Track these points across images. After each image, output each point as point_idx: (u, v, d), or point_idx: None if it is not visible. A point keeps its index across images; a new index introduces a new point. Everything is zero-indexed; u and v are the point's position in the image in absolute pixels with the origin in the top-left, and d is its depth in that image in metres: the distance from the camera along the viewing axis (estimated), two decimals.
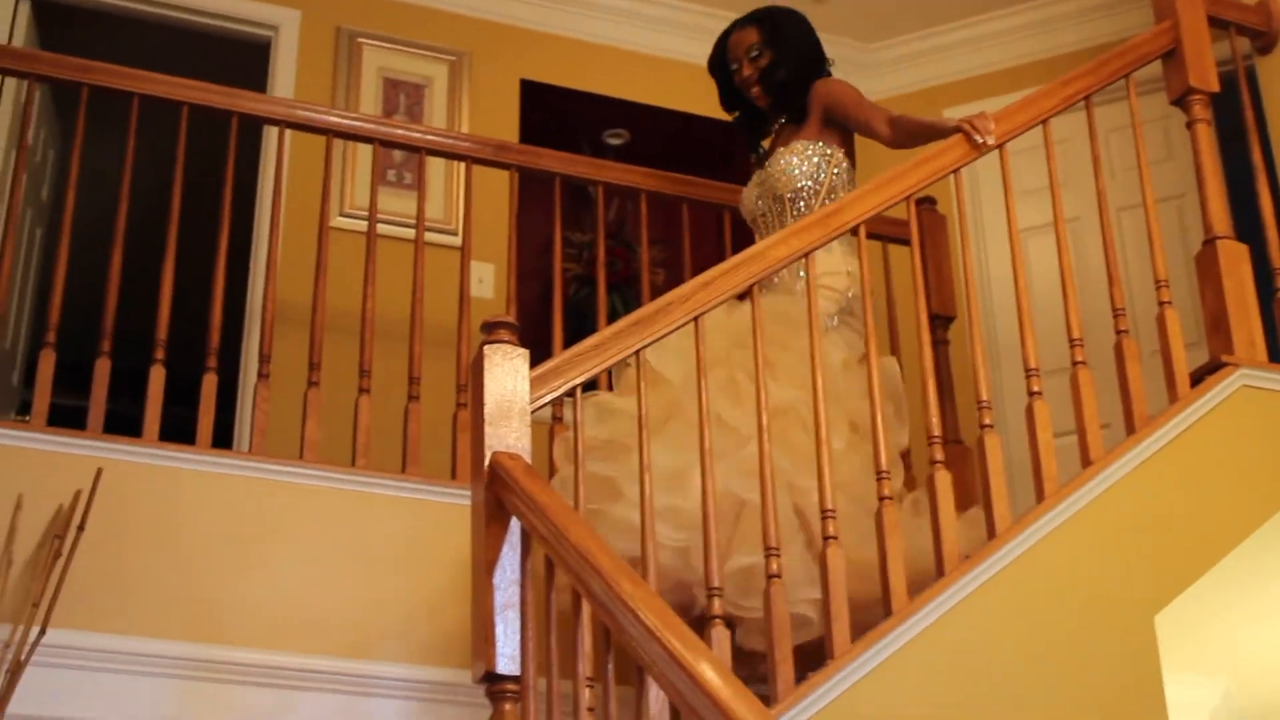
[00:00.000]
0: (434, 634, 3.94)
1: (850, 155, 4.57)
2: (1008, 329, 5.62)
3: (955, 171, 4.02)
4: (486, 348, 3.17)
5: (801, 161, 4.46)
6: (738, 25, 4.68)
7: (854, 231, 3.85)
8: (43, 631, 3.65)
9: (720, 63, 4.72)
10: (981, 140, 4.00)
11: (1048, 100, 4.19)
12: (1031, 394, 3.89)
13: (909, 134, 4.37)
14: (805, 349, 3.67)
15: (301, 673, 3.87)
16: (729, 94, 4.76)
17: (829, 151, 4.48)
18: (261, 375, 4.28)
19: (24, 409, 5.73)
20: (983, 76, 6.38)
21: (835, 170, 4.47)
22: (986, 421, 3.82)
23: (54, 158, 5.95)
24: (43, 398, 4.07)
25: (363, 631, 3.98)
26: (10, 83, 5.29)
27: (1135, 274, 5.48)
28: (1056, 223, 4.14)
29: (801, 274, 3.97)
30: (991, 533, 3.72)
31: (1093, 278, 5.05)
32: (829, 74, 4.67)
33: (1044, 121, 4.17)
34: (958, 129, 4.06)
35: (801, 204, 4.43)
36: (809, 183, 4.43)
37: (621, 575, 2.63)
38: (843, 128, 4.55)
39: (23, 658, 3.63)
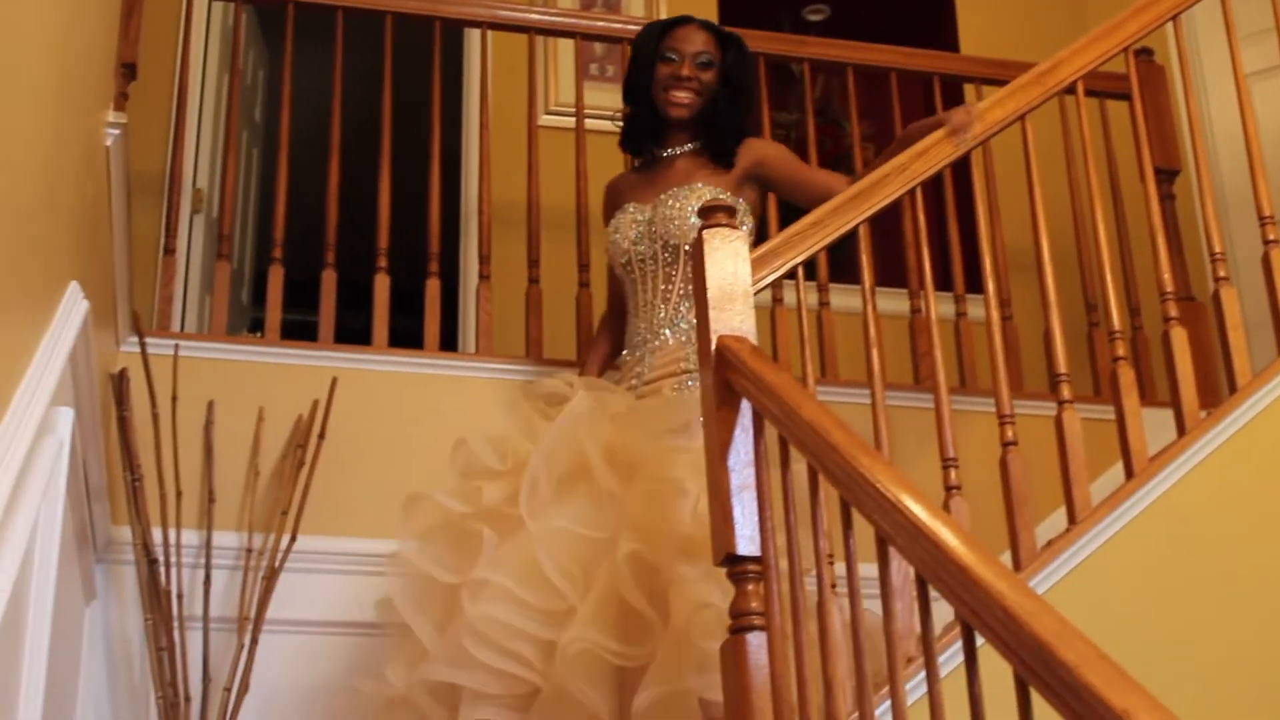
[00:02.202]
0: None
1: (757, 219, 3.96)
2: (1234, 180, 5.43)
3: (1174, 18, 3.87)
4: (705, 232, 3.14)
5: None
6: (698, 23, 3.97)
7: (1070, 89, 3.75)
8: (293, 539, 3.78)
9: (652, 45, 3.93)
10: (959, 140, 3.49)
11: None
12: (1267, 242, 3.77)
13: None
14: (657, 473, 3.29)
15: None
16: (638, 82, 3.95)
17: (739, 211, 3.68)
18: (482, 277, 4.33)
19: (253, 326, 5.90)
20: None
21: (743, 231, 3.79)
22: (1221, 274, 3.72)
23: (263, 78, 6.07)
24: (274, 313, 4.18)
25: None
26: (217, 7, 5.41)
27: None
28: None
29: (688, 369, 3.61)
30: (1233, 387, 3.63)
31: None
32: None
33: None
34: (937, 124, 3.55)
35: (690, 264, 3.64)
36: None
37: (858, 449, 2.61)
38: (765, 190, 3.95)
39: (276, 564, 3.76)
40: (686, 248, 3.68)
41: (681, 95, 3.86)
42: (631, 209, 3.87)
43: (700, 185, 3.79)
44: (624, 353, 3.82)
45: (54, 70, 2.73)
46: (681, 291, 3.72)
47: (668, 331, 3.70)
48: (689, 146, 3.92)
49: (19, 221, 2.46)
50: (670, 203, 3.78)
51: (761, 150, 3.92)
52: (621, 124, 4.05)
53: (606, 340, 3.99)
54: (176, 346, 3.90)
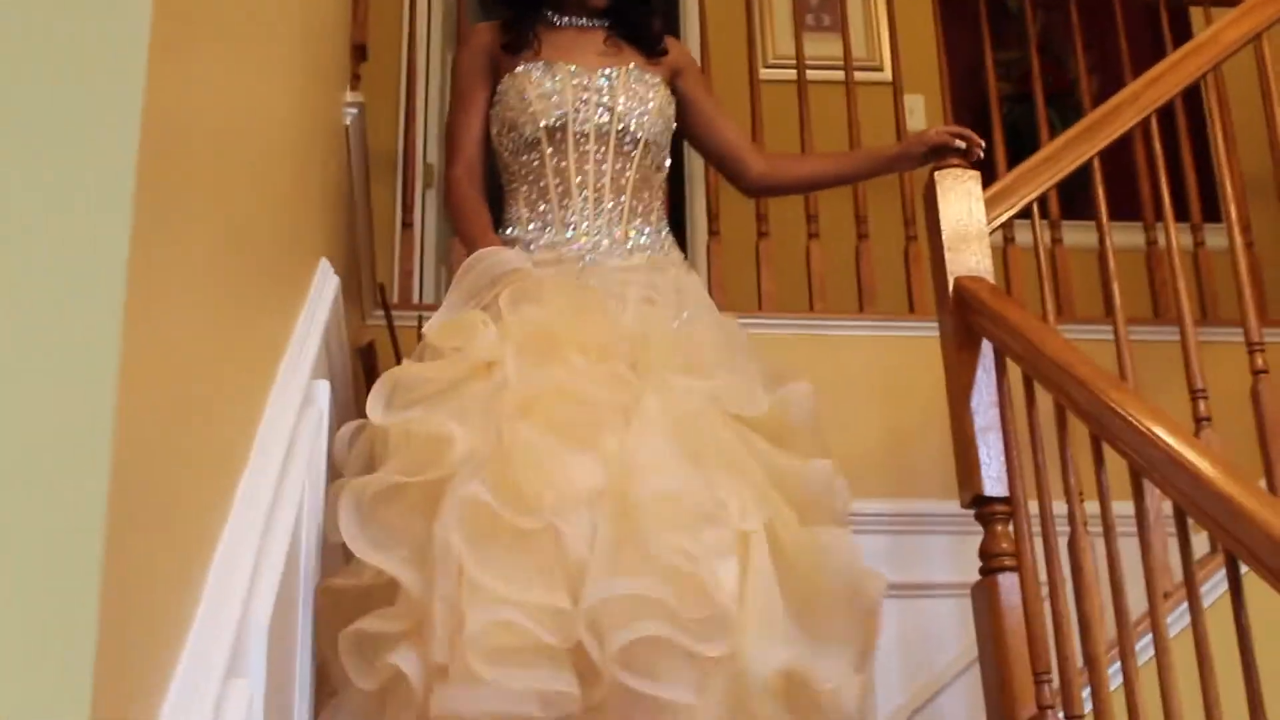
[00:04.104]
0: (911, 467, 3.97)
1: None
2: None
3: None
4: (937, 174, 3.15)
5: (670, 110, 3.26)
6: None
7: None
8: None
9: None
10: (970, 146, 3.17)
11: None
12: None
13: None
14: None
15: None
16: None
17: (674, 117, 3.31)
18: (712, 233, 4.40)
19: None
20: None
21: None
22: None
23: None
24: None
25: (841, 472, 4.03)
26: None
27: None
28: None
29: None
30: None
31: None
32: None
33: None
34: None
35: (648, 160, 3.18)
36: (664, 153, 3.26)
37: (1107, 383, 2.61)
38: None
39: None
40: (644, 138, 3.15)
41: None
42: (570, 68, 3.20)
43: (656, 79, 3.24)
44: (525, 231, 3.13)
45: (299, 55, 2.82)
46: (635, 190, 3.15)
47: (639, 235, 3.11)
48: (598, 22, 3.32)
49: (280, 200, 2.56)
50: (634, 85, 3.19)
51: (686, 55, 3.43)
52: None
53: (487, 208, 3.20)
54: (420, 318, 4.00)
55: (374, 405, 2.61)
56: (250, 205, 2.24)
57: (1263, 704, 2.31)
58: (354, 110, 3.58)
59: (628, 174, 3.11)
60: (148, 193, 1.43)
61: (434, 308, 4.28)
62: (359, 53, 3.95)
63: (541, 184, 3.12)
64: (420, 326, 3.90)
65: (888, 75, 4.90)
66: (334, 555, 2.56)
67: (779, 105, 4.79)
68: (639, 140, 3.13)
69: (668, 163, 3.26)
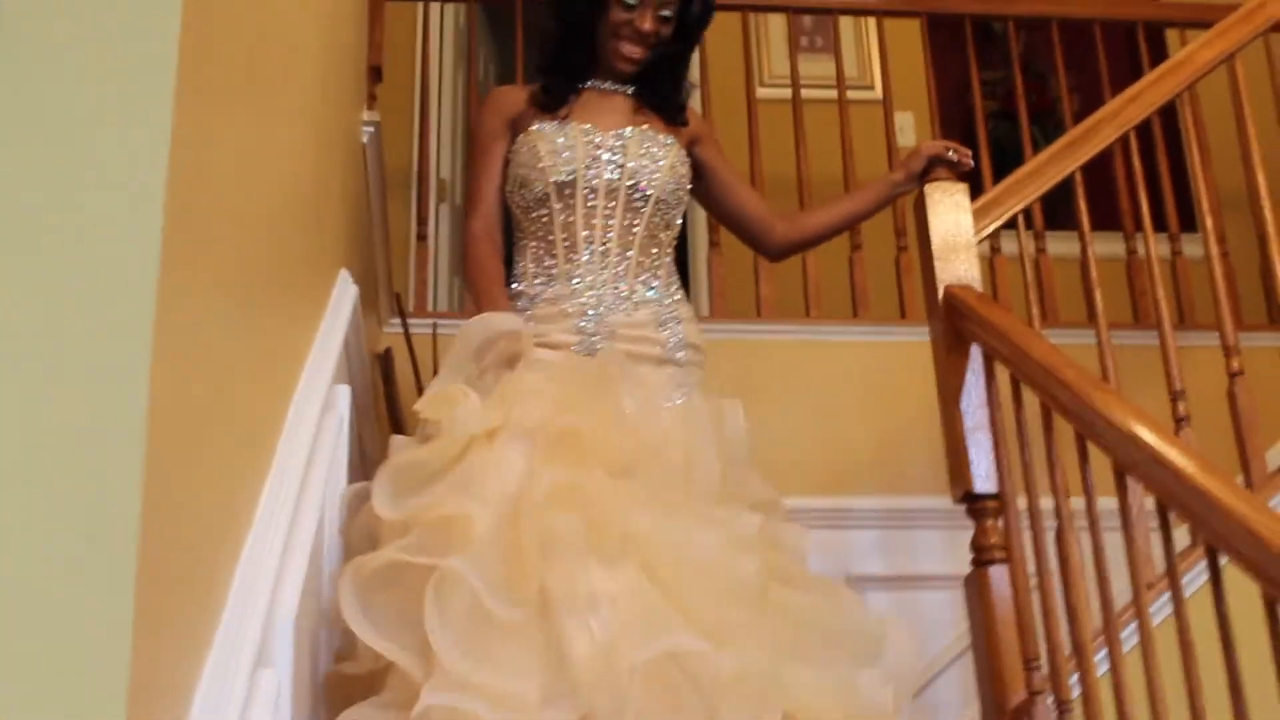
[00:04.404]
0: (903, 465, 4.08)
1: None
2: None
3: None
4: (927, 187, 3.24)
5: (682, 169, 3.23)
6: None
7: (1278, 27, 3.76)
8: None
9: None
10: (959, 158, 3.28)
11: None
12: None
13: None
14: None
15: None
16: (584, 7, 3.24)
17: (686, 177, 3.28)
18: (713, 244, 4.52)
19: None
20: None
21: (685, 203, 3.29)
22: None
23: (494, 74, 6.29)
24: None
25: (837, 470, 4.15)
26: (449, 8, 5.62)
27: None
28: None
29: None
30: None
31: None
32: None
33: None
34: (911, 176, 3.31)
35: (657, 218, 3.14)
36: (677, 213, 3.22)
37: (1089, 384, 2.70)
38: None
39: None
40: (657, 196, 3.13)
41: (636, 51, 3.23)
42: (584, 127, 3.19)
43: (670, 140, 3.23)
44: (530, 285, 3.12)
45: (319, 78, 2.91)
46: (643, 246, 3.13)
47: (645, 289, 3.10)
48: (625, 87, 3.30)
49: (302, 215, 2.64)
50: (647, 145, 3.18)
51: (705, 126, 3.46)
52: (551, 49, 3.34)
53: (501, 264, 3.21)
54: (435, 325, 4.11)
55: (380, 500, 2.53)
56: (273, 222, 2.31)
57: (1242, 688, 2.40)
58: (370, 129, 3.69)
59: (635, 229, 3.10)
60: (175, 214, 1.52)
61: (447, 315, 4.44)
62: (375, 74, 4.06)
63: (549, 239, 3.12)
64: (434, 332, 4.05)
65: (878, 94, 5.02)
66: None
67: (775, 122, 4.91)
68: (649, 197, 3.12)
69: (679, 222, 3.24)
